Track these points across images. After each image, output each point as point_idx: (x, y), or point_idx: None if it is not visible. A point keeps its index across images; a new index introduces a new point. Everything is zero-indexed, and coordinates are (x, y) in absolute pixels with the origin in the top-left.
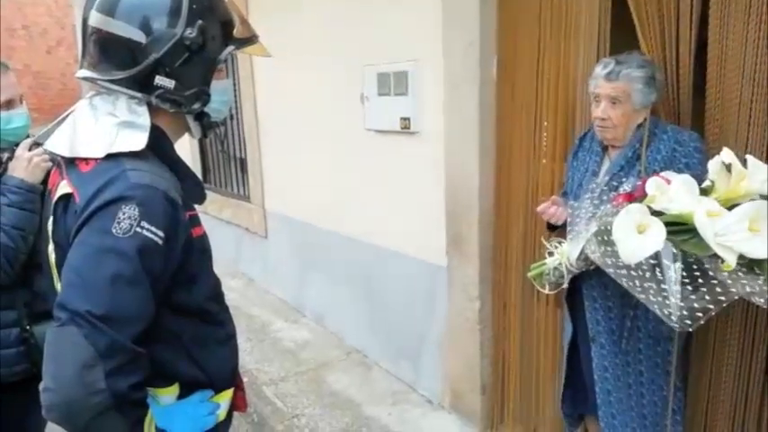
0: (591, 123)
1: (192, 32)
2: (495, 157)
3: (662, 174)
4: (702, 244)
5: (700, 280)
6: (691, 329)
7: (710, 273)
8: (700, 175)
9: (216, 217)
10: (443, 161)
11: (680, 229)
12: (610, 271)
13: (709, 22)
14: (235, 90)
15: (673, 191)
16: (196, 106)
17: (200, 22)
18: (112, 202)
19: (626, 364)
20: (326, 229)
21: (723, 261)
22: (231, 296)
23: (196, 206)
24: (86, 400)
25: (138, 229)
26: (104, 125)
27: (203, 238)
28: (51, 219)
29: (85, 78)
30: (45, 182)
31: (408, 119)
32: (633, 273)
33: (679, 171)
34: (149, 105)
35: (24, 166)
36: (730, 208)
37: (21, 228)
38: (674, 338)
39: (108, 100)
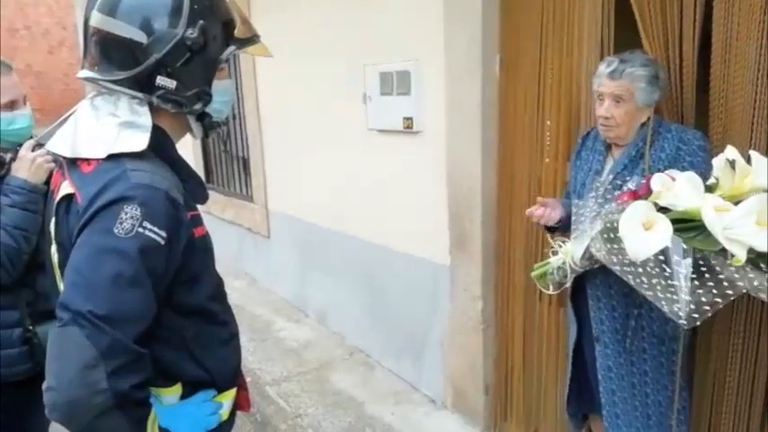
0: (595, 121)
1: (193, 32)
2: (498, 156)
3: (666, 172)
4: (710, 240)
5: (707, 275)
6: (698, 323)
7: (717, 268)
8: (704, 174)
9: (219, 217)
10: (446, 160)
11: (686, 226)
12: (616, 269)
13: (713, 21)
14: (237, 90)
15: (678, 187)
16: (197, 106)
17: (201, 22)
18: (114, 203)
19: (630, 364)
20: (329, 228)
21: (732, 256)
22: (234, 296)
23: (199, 206)
24: (89, 400)
25: (140, 230)
26: (106, 125)
27: (205, 238)
28: (53, 219)
29: (87, 79)
30: (48, 182)
31: (411, 118)
32: (640, 270)
33: (683, 170)
34: (151, 105)
35: (27, 167)
36: (735, 205)
37: (23, 228)
38: (679, 338)
39: (109, 100)
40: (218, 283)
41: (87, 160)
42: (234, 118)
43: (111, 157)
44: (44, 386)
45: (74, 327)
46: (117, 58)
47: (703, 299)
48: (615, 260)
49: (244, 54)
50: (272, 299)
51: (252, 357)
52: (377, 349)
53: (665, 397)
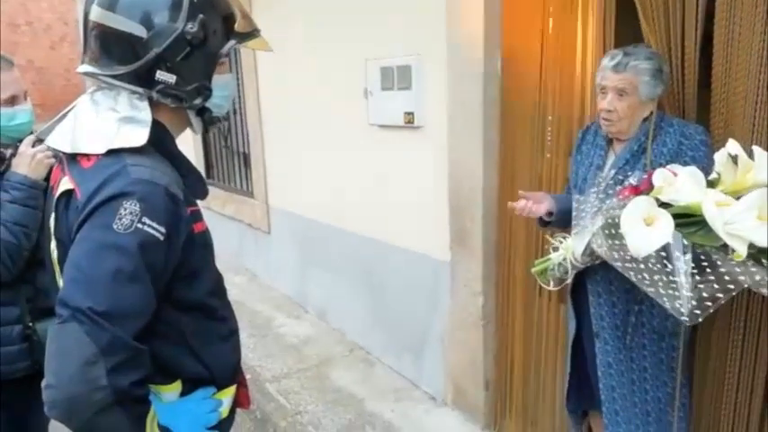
0: (596, 116)
1: (193, 27)
2: (499, 151)
3: (668, 167)
4: (711, 235)
5: (708, 269)
6: (700, 319)
7: (719, 263)
8: (706, 169)
9: (219, 213)
10: (447, 156)
11: (687, 221)
12: (617, 265)
13: (716, 16)
14: (238, 85)
15: (680, 182)
16: (197, 101)
17: (201, 16)
18: (113, 198)
19: (630, 360)
20: (329, 224)
21: (733, 251)
22: (234, 292)
23: (199, 201)
24: (88, 397)
25: (140, 225)
26: (105, 120)
27: (205, 234)
28: (53, 215)
29: (86, 73)
30: (48, 178)
31: (412, 113)
32: (641, 266)
33: (685, 164)
34: (150, 100)
35: (27, 163)
36: (737, 200)
37: (24, 224)
38: (679, 334)
39: (109, 95)
40: (218, 278)
41: (87, 155)
42: (235, 113)
43: (111, 152)
44: (43, 383)
45: (73, 323)
46: (117, 52)
47: (705, 294)
48: (617, 256)
49: (244, 49)
50: (272, 295)
51: (252, 354)
52: (377, 346)
53: (664, 393)
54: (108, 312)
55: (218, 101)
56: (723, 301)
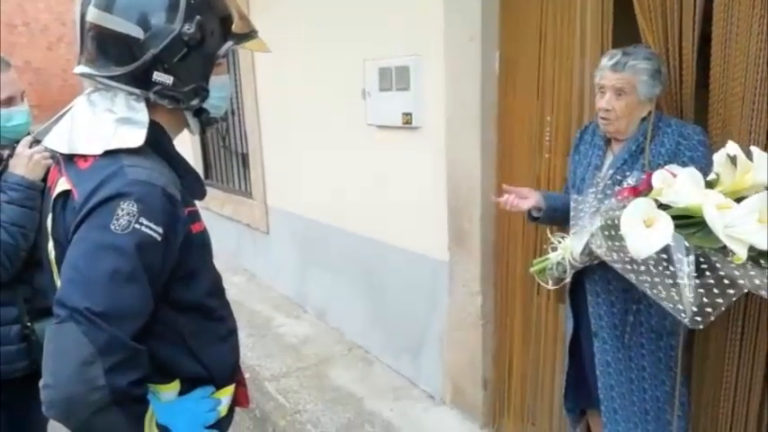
0: (594, 116)
1: (190, 28)
2: (498, 152)
3: (667, 167)
4: (710, 237)
5: (707, 273)
6: (701, 326)
7: (718, 265)
8: (704, 169)
9: (217, 213)
10: (445, 156)
11: (686, 222)
12: (617, 266)
13: (713, 17)
14: (236, 86)
15: (679, 184)
16: (194, 102)
17: (198, 17)
18: (111, 199)
19: (628, 359)
20: (328, 224)
21: (732, 254)
22: (232, 292)
23: (197, 202)
24: (86, 397)
25: (137, 226)
26: (102, 121)
27: (203, 234)
28: (50, 216)
29: (83, 74)
30: (45, 179)
31: (410, 114)
32: (642, 268)
33: (683, 164)
34: (147, 101)
35: (25, 164)
36: (736, 201)
37: (21, 225)
38: (678, 333)
39: (106, 96)
40: (217, 278)
41: (84, 156)
42: (233, 113)
43: (108, 153)
44: (41, 383)
45: (71, 323)
46: (114, 53)
47: (705, 299)
48: (616, 257)
49: (242, 50)
50: (271, 295)
51: (251, 353)
52: (376, 345)
53: (662, 392)
54: (105, 313)
55: (216, 102)
56: (723, 308)
